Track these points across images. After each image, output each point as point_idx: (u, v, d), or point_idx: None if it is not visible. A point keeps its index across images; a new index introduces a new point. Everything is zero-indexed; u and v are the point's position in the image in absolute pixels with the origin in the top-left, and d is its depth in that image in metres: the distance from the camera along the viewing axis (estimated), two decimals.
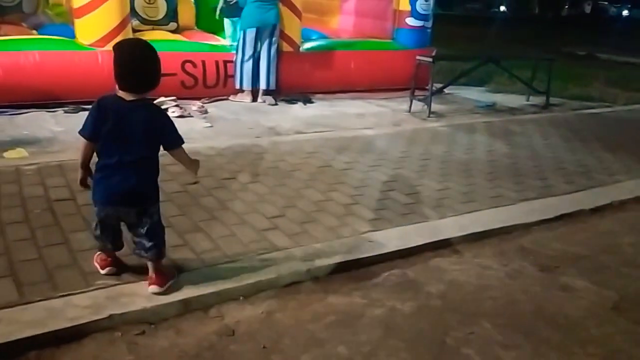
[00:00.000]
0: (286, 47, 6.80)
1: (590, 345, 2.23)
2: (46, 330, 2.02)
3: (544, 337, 2.27)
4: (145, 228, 2.26)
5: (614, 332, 2.34)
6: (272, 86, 6.46)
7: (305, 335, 2.21)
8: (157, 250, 2.31)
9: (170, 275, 2.38)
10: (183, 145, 2.31)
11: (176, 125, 2.35)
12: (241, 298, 2.42)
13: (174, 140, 2.28)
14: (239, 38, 6.30)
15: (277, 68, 6.48)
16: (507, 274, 2.81)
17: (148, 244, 2.28)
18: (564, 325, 2.37)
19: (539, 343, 2.22)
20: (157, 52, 2.18)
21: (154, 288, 2.28)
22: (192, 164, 2.40)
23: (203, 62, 6.23)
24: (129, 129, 2.18)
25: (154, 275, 2.31)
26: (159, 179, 2.33)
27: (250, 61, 6.28)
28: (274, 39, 6.34)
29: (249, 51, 6.25)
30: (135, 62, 2.18)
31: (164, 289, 2.30)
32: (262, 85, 6.40)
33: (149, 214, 2.27)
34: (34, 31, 6.36)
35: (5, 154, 3.98)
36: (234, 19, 6.61)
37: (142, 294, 2.28)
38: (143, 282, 2.35)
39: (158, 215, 2.33)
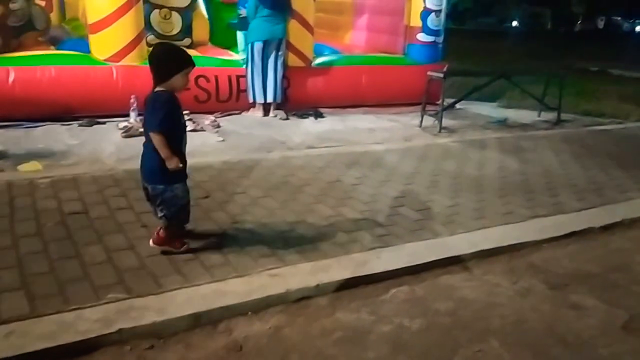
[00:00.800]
0: (298, 62, 6.88)
1: None
2: (57, 343, 2.05)
3: (552, 356, 2.26)
4: (157, 202, 2.71)
5: (624, 351, 2.32)
6: (279, 99, 6.52)
7: (313, 351, 2.22)
8: (165, 219, 2.74)
9: (172, 244, 2.79)
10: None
11: (189, 138, 2.79)
12: (250, 313, 2.43)
13: (148, 124, 2.62)
14: (247, 51, 6.39)
15: (283, 81, 6.55)
16: (517, 292, 2.80)
17: (160, 214, 2.75)
18: (573, 344, 2.35)
19: None
20: (175, 53, 2.66)
21: (150, 242, 2.80)
22: (165, 157, 2.60)
23: (216, 77, 6.31)
24: (144, 113, 2.71)
25: (155, 234, 2.80)
26: None
27: (260, 74, 6.35)
28: (280, 52, 6.42)
29: (257, 64, 6.33)
30: (150, 59, 2.69)
31: (156, 246, 2.78)
32: (270, 98, 6.47)
33: (159, 192, 2.69)
34: (52, 46, 6.49)
35: (20, 167, 4.05)
36: (245, 32, 6.71)
37: (152, 308, 2.31)
38: (153, 296, 2.37)
39: (171, 194, 2.69)
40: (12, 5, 6.31)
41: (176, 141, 2.64)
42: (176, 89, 2.64)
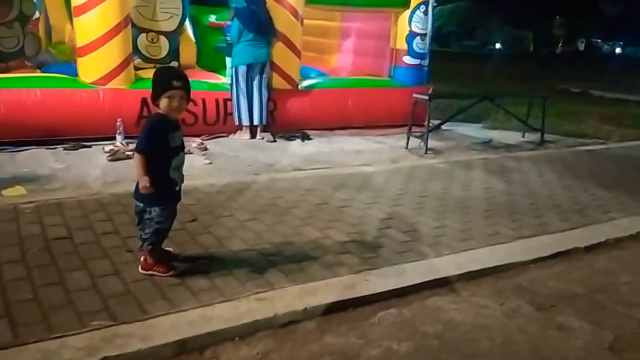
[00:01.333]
0: (285, 85, 6.94)
1: None
2: None
3: None
4: (138, 220, 2.79)
5: None
6: (264, 121, 6.56)
7: None
8: (146, 242, 2.77)
9: (156, 269, 2.79)
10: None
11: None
12: (237, 338, 2.41)
13: (137, 143, 2.68)
14: (232, 75, 6.45)
15: (268, 103, 6.59)
16: (504, 313, 2.81)
17: (140, 233, 2.80)
18: None
19: None
20: (160, 76, 2.68)
21: (139, 267, 2.82)
22: (138, 175, 2.64)
23: (203, 100, 6.34)
24: None
25: (142, 259, 2.84)
26: None
27: (246, 97, 6.40)
28: (264, 75, 6.50)
29: (242, 87, 6.38)
30: None
31: (142, 271, 2.80)
32: (256, 120, 6.51)
33: (139, 210, 2.75)
34: (38, 70, 6.49)
35: (4, 192, 4.01)
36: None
37: (138, 335, 2.28)
38: (138, 322, 2.34)
39: (148, 215, 2.72)
40: (6, 32, 6.34)
41: (160, 165, 2.65)
42: (165, 112, 2.65)
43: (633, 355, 2.47)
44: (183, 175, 2.82)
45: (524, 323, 2.72)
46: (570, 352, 2.47)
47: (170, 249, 3.02)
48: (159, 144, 2.62)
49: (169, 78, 2.63)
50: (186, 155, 2.94)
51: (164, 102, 2.61)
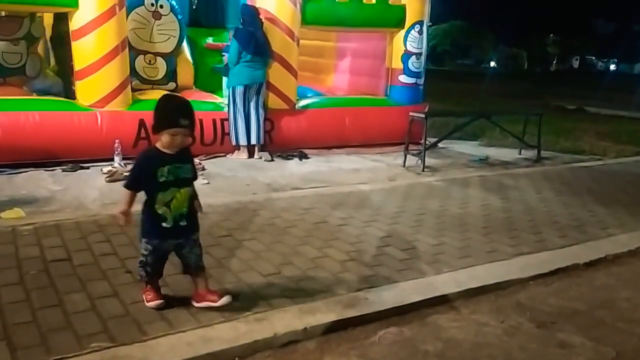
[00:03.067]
0: (282, 105, 6.98)
1: None
2: None
3: None
4: None
5: None
6: (261, 141, 6.59)
7: None
8: (138, 269, 2.70)
9: (145, 293, 2.72)
10: None
11: None
12: (236, 359, 2.39)
13: None
14: (229, 95, 6.50)
15: (264, 123, 6.64)
16: (505, 331, 2.79)
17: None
18: None
19: None
20: (166, 109, 2.54)
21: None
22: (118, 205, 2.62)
23: (200, 121, 6.35)
24: None
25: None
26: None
27: (243, 118, 6.44)
28: (260, 96, 6.56)
29: (240, 107, 6.42)
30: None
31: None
32: (254, 140, 6.54)
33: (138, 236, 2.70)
34: (34, 94, 6.53)
35: (2, 215, 4.01)
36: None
37: (136, 357, 2.26)
38: (137, 344, 2.33)
39: (140, 246, 2.67)
40: (12, 48, 6.40)
41: (148, 198, 2.54)
42: (164, 147, 2.50)
43: None
44: (181, 213, 2.58)
45: (525, 340, 2.71)
46: None
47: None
48: (145, 179, 2.51)
49: (176, 114, 2.45)
50: None
51: (165, 138, 2.46)
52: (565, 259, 3.73)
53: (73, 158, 5.63)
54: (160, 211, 2.51)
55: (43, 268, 3.06)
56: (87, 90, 5.88)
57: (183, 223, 2.57)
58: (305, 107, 7.29)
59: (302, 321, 2.66)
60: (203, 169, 5.78)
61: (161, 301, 2.67)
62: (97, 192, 4.79)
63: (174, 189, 2.52)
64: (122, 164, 5.42)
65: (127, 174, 5.17)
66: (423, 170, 6.36)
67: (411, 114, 6.71)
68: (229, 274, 3.14)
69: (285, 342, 2.55)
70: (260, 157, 6.56)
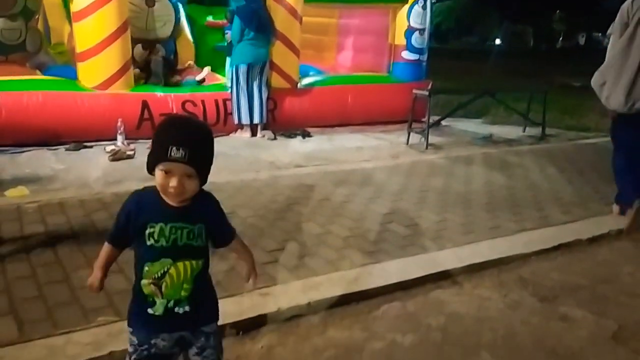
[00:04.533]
0: (285, 84, 6.95)
1: None
2: None
3: None
4: None
5: None
6: (264, 120, 6.58)
7: None
8: None
9: None
10: None
11: None
12: (241, 333, 2.42)
13: None
14: (232, 74, 6.46)
15: (267, 102, 6.61)
16: (507, 305, 2.81)
17: None
18: (564, 356, 2.37)
19: None
20: (158, 138, 1.54)
21: None
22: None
23: (203, 101, 6.35)
24: None
25: None
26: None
27: (246, 97, 6.41)
28: (264, 75, 6.52)
29: (243, 86, 6.39)
30: None
31: None
32: (257, 119, 6.52)
33: None
34: (38, 71, 6.50)
35: (7, 193, 4.02)
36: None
37: None
38: None
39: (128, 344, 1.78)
40: (10, 24, 6.36)
41: (135, 267, 1.63)
42: (158, 189, 1.57)
43: (637, 343, 2.48)
44: (178, 298, 1.61)
45: (527, 314, 2.73)
46: (574, 342, 2.47)
47: None
48: (132, 233, 1.60)
49: (168, 141, 1.49)
50: None
51: (157, 177, 1.54)
52: (568, 234, 3.73)
53: (76, 138, 5.63)
54: (146, 290, 1.60)
55: (48, 245, 3.09)
56: (89, 73, 5.86)
57: (180, 309, 1.62)
58: (308, 85, 7.25)
59: (305, 296, 2.69)
60: None
61: None
62: (100, 171, 4.80)
63: (166, 261, 1.58)
64: (125, 143, 5.42)
65: (130, 152, 5.22)
66: (426, 148, 6.34)
67: (414, 91, 6.66)
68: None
69: (289, 316, 2.57)
70: (263, 136, 6.56)
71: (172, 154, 1.48)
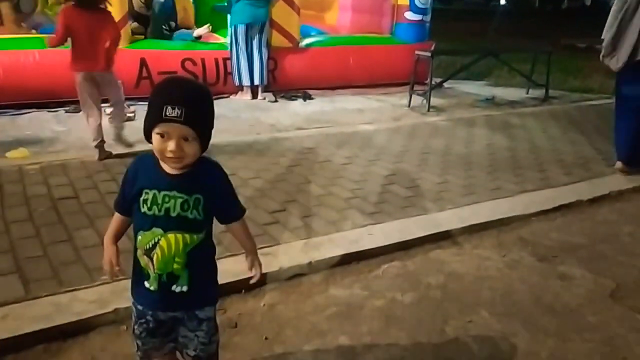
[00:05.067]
0: (285, 44, 6.85)
1: (587, 332, 2.26)
2: (53, 324, 2.06)
3: (541, 324, 2.30)
4: None
5: (611, 318, 2.37)
6: (264, 81, 6.51)
7: (307, 326, 2.25)
8: None
9: None
10: None
11: None
12: (243, 291, 2.45)
13: None
14: (231, 34, 6.37)
15: (268, 63, 6.52)
16: (506, 264, 2.84)
17: None
18: (561, 313, 2.40)
19: (536, 331, 2.26)
20: (154, 99, 1.43)
21: None
22: None
23: (203, 60, 6.27)
24: None
25: None
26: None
27: (246, 57, 6.33)
28: (264, 35, 6.41)
29: (242, 47, 6.31)
30: None
31: None
32: (257, 80, 6.46)
33: None
34: (34, 30, 6.40)
35: (8, 154, 4.03)
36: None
37: None
38: None
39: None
40: None
41: (134, 236, 1.55)
42: (156, 155, 1.46)
43: (634, 302, 2.51)
44: (170, 272, 1.52)
45: (526, 273, 2.76)
46: (571, 300, 2.51)
47: None
48: (128, 201, 1.54)
49: (163, 100, 1.39)
50: None
51: (154, 142, 1.43)
52: (569, 195, 3.74)
53: (75, 98, 5.58)
54: (141, 262, 1.54)
55: (51, 205, 3.11)
56: None
57: (178, 288, 1.54)
58: (309, 46, 7.15)
59: (307, 255, 2.71)
60: None
61: None
62: None
63: (157, 231, 1.49)
64: (125, 105, 5.37)
65: (130, 115, 5.18)
66: (428, 110, 6.30)
67: (417, 52, 6.57)
68: None
69: (291, 275, 2.60)
70: (264, 98, 6.50)
71: (167, 113, 1.37)
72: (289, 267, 2.62)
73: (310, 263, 2.67)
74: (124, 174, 1.56)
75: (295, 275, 2.61)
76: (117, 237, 1.63)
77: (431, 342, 2.17)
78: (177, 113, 1.37)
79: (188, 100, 1.41)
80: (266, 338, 2.15)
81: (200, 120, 1.44)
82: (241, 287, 2.46)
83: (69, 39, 3.80)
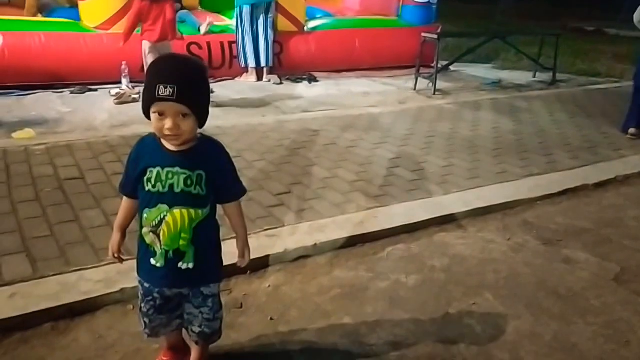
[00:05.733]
0: (291, 27, 6.80)
1: (590, 315, 2.27)
2: (60, 303, 2.08)
3: (544, 307, 2.31)
4: None
5: (614, 302, 2.38)
6: (270, 63, 6.47)
7: (312, 307, 2.26)
8: None
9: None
10: None
11: None
12: (248, 272, 2.47)
13: None
14: (236, 15, 6.33)
15: (274, 45, 6.47)
16: (511, 248, 2.84)
17: None
18: (565, 296, 2.41)
19: (539, 313, 2.27)
20: (150, 77, 1.46)
21: None
22: None
23: (208, 44, 6.24)
24: None
25: None
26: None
27: (251, 39, 6.29)
28: (269, 16, 6.36)
29: (247, 28, 6.26)
30: None
31: None
32: (262, 62, 6.42)
33: None
34: (39, 14, 6.39)
35: (14, 135, 4.04)
36: None
37: None
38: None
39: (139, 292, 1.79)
40: None
41: (139, 215, 1.61)
42: (156, 133, 1.51)
43: (638, 285, 2.51)
44: (176, 248, 1.57)
45: (530, 257, 2.76)
46: (575, 284, 2.51)
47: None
48: (133, 181, 1.58)
49: (156, 80, 1.42)
50: None
51: (152, 121, 1.47)
52: (575, 179, 3.73)
53: (80, 80, 5.58)
54: (147, 239, 1.59)
55: (58, 186, 3.12)
56: (92, 12, 5.74)
57: (184, 265, 1.60)
58: (315, 28, 7.10)
59: (312, 237, 2.72)
60: (211, 91, 5.71)
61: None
62: (106, 114, 4.78)
63: (163, 208, 1.54)
64: (130, 86, 5.38)
65: (135, 96, 5.18)
66: (434, 94, 6.26)
67: (423, 35, 6.51)
68: None
69: (296, 257, 2.61)
70: (269, 80, 6.47)
71: (160, 92, 1.40)
72: (294, 248, 2.63)
73: (315, 245, 2.68)
74: (128, 156, 1.60)
75: (300, 257, 2.62)
76: (125, 223, 1.69)
77: (435, 323, 2.19)
78: (170, 92, 1.40)
79: (179, 78, 1.43)
80: (271, 318, 2.17)
81: (193, 97, 1.45)
82: (246, 268, 2.48)
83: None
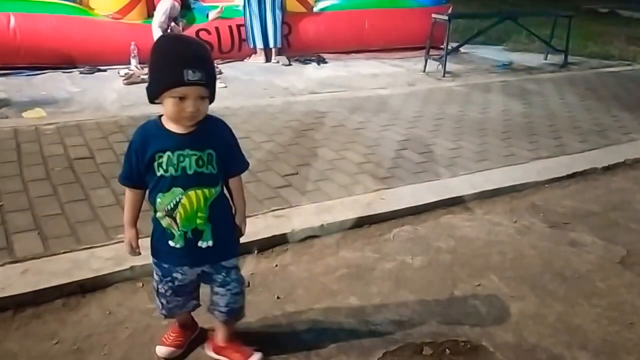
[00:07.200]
0: (300, 7, 6.75)
1: (595, 297, 2.28)
2: (71, 280, 2.12)
3: (549, 289, 2.33)
4: None
5: (619, 284, 2.38)
6: (279, 44, 6.44)
7: (318, 286, 2.29)
8: None
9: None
10: None
11: None
12: (256, 252, 2.50)
13: None
14: None
15: (282, 26, 6.44)
16: (517, 230, 2.85)
17: None
18: (570, 278, 2.42)
19: (544, 295, 2.28)
20: (170, 60, 1.46)
21: None
22: None
23: (217, 29, 6.23)
24: None
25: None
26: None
27: (258, 19, 6.26)
28: None
29: (254, 9, 6.23)
30: None
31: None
32: (271, 43, 6.40)
33: None
34: None
35: (24, 114, 4.07)
36: None
37: None
38: None
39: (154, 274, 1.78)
40: None
41: (151, 200, 1.61)
42: (171, 120, 1.52)
43: None
44: (194, 227, 1.59)
45: (536, 239, 2.77)
46: (581, 266, 2.52)
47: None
48: (142, 169, 1.56)
49: (181, 63, 1.42)
50: None
51: (168, 106, 1.46)
52: (584, 163, 3.71)
53: (90, 63, 5.59)
54: (163, 223, 1.59)
55: (68, 165, 3.16)
56: (104, 1, 5.75)
57: (204, 243, 1.62)
58: (324, 9, 7.04)
59: (319, 218, 2.74)
60: (220, 72, 5.71)
61: (172, 349, 1.84)
62: (115, 94, 4.80)
63: (177, 191, 1.55)
64: (139, 67, 5.38)
65: (144, 76, 5.19)
66: (444, 76, 6.22)
67: (434, 15, 6.45)
68: (247, 174, 3.18)
69: (303, 237, 2.64)
70: (278, 62, 6.45)
71: (189, 77, 1.41)
72: (301, 229, 2.66)
73: (322, 226, 2.70)
74: (128, 148, 1.58)
75: (308, 237, 2.65)
76: (135, 218, 1.68)
77: (440, 304, 2.21)
78: (199, 76, 1.43)
79: (204, 62, 1.47)
80: (278, 297, 2.20)
81: (213, 79, 1.52)
82: (253, 248, 2.51)
83: None
